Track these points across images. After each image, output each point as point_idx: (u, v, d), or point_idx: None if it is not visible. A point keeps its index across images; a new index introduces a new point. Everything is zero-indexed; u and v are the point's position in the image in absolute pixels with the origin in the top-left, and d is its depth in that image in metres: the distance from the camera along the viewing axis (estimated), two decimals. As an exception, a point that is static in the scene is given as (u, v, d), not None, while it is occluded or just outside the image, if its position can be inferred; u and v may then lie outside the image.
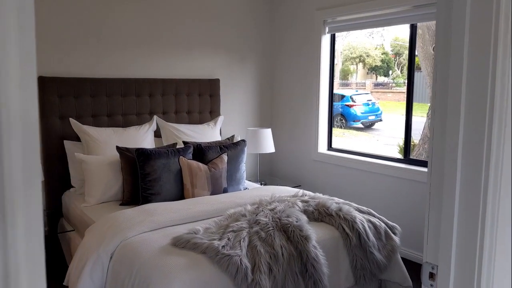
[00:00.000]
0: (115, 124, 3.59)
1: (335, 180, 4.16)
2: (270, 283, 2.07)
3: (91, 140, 3.25)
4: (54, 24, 3.33)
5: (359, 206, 2.93)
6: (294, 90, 4.50)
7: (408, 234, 3.42)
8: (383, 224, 2.82)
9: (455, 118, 0.94)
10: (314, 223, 2.63)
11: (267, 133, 4.13)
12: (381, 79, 21.85)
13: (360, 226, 2.65)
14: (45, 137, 3.30)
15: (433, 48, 6.02)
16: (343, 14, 3.94)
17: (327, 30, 4.16)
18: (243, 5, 4.39)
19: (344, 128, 11.28)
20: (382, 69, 22.15)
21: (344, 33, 4.00)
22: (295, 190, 3.18)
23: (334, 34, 4.25)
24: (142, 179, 2.92)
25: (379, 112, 12.32)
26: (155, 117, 3.71)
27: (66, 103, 3.37)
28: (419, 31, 6.66)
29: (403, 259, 2.96)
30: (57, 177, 3.34)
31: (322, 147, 4.32)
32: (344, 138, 10.33)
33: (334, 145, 4.37)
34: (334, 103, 4.39)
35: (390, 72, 22.13)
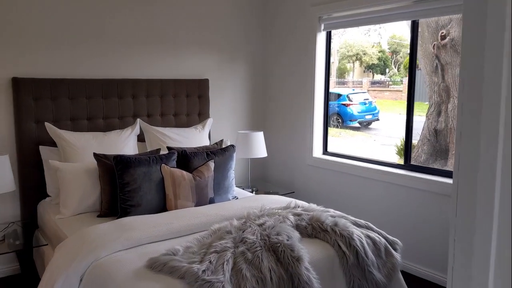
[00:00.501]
0: (96, 128, 3.35)
1: (330, 187, 3.94)
2: (257, 312, 1.85)
3: (68, 145, 3.01)
4: (27, 21, 3.09)
5: (356, 219, 2.71)
6: (287, 91, 4.27)
7: (408, 245, 3.20)
8: (383, 240, 2.59)
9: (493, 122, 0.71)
10: (307, 240, 2.41)
11: (259, 137, 3.90)
12: (378, 77, 21.67)
13: (358, 243, 2.43)
14: (20, 143, 3.06)
15: (433, 46, 5.81)
16: (339, 10, 3.71)
17: (322, 27, 3.94)
18: (234, 2, 4.15)
19: (341, 128, 11.07)
20: (379, 67, 21.96)
21: (340, 31, 3.79)
22: (287, 200, 2.95)
23: (330, 32, 4.03)
24: (121, 189, 2.68)
25: (376, 111, 12.11)
26: (138, 120, 3.47)
27: (42, 106, 3.13)
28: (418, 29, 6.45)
29: (402, 272, 2.75)
30: (32, 186, 3.10)
31: (317, 151, 4.10)
32: (340, 138, 10.11)
33: (330, 149, 4.15)
34: (330, 102, 4.16)
35: (387, 70, 21.96)
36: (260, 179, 4.50)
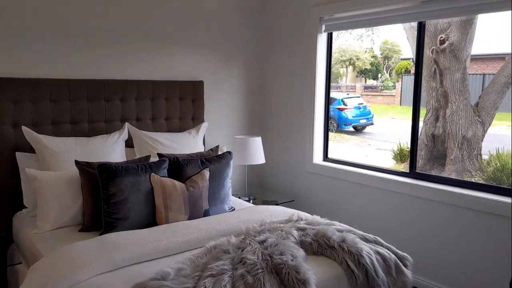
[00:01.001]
0: (80, 133, 3.09)
1: (332, 195, 3.71)
2: None
3: (47, 152, 2.74)
4: (3, 15, 2.82)
5: (364, 233, 2.48)
6: (287, 94, 4.05)
7: (416, 258, 2.98)
8: (393, 256, 2.37)
9: None
10: (313, 258, 2.17)
11: (257, 142, 3.67)
12: (370, 82, 21.67)
13: (368, 261, 2.20)
14: (-5, 148, 2.79)
15: (431, 51, 5.65)
16: (342, 11, 3.51)
17: (323, 28, 3.73)
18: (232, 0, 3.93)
19: (336, 132, 10.92)
20: (371, 72, 22.02)
21: (334, 35, 3.62)
22: (289, 212, 2.71)
23: (331, 33, 3.82)
24: (106, 201, 2.42)
25: (371, 116, 11.99)
26: (126, 124, 3.21)
27: (22, 109, 2.86)
28: (414, 33, 6.28)
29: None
30: (8, 196, 2.83)
31: (318, 158, 3.87)
32: (336, 143, 9.92)
33: (330, 155, 3.93)
34: (326, 107, 3.95)
35: (379, 75, 21.98)
36: (258, 187, 4.27)
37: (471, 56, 5.81)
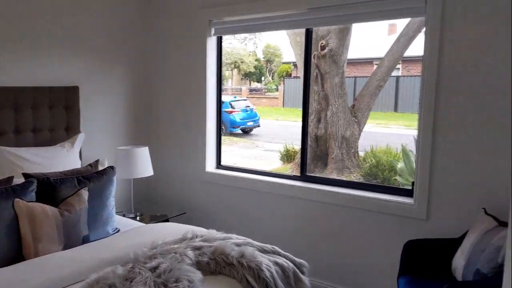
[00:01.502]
0: None
1: (227, 204, 3.59)
2: None
3: None
4: None
5: (262, 244, 2.41)
6: (177, 100, 3.82)
7: (313, 261, 3.01)
8: (291, 264, 2.34)
9: None
10: (211, 278, 2.02)
11: (143, 153, 3.37)
12: (255, 85, 22.29)
13: (267, 274, 2.12)
14: None
15: (313, 56, 5.91)
16: (231, 15, 3.41)
17: (213, 31, 3.59)
18: (107, -4, 3.55)
19: (225, 135, 10.94)
20: (255, 75, 22.67)
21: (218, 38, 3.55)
22: (183, 229, 2.51)
23: (221, 37, 3.71)
24: (-47, 238, 1.95)
25: (257, 118, 12.29)
26: (-19, 139, 2.68)
27: None
28: (297, 39, 6.53)
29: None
30: None
31: (210, 166, 3.72)
32: (225, 146, 9.91)
33: (222, 160, 3.81)
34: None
35: (263, 78, 22.74)
36: (145, 201, 3.95)
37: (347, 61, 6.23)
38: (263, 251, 2.35)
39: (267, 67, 22.11)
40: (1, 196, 2.10)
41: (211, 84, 3.66)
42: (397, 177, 5.30)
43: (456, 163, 2.49)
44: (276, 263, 2.26)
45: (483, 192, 2.40)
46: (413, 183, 2.71)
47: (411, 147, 5.20)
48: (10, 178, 2.39)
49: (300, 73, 6.72)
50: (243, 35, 19.94)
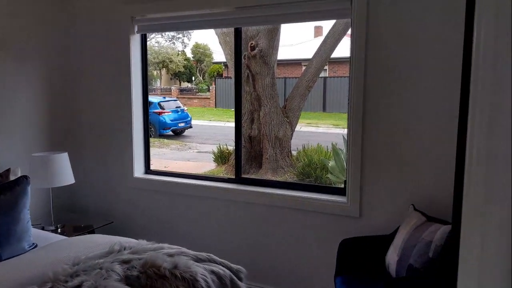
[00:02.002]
0: None
1: (158, 211, 3.41)
2: None
3: None
4: None
5: (196, 253, 2.29)
6: (99, 101, 3.56)
7: (252, 265, 2.95)
8: (227, 271, 2.26)
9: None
10: (142, 294, 1.87)
11: (62, 159, 3.09)
12: (185, 85, 21.91)
13: (203, 284, 2.02)
14: None
15: (244, 56, 5.87)
16: (155, 12, 3.25)
17: (136, 29, 3.40)
18: (17, -13, 3.21)
19: (154, 137, 10.57)
20: (185, 75, 22.29)
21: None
22: (110, 241, 2.32)
23: (145, 35, 3.52)
24: None
25: (189, 119, 12.05)
26: None
27: None
28: (226, 39, 6.46)
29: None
30: None
31: (139, 171, 3.52)
32: (156, 148, 9.57)
33: (151, 163, 3.62)
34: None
35: (193, 78, 22.42)
36: (67, 211, 3.63)
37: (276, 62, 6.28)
38: (198, 260, 2.24)
39: (197, 67, 21.84)
40: None
41: (137, 84, 3.46)
42: (329, 175, 5.43)
43: (386, 161, 2.56)
44: (212, 272, 2.16)
45: (412, 189, 2.49)
46: (345, 181, 2.75)
47: (341, 145, 5.36)
48: None
49: (231, 73, 6.67)
50: (171, 34, 19.51)
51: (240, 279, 2.33)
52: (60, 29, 3.55)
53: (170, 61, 21.19)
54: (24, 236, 2.32)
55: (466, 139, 0.75)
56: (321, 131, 9.96)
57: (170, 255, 2.17)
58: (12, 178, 2.51)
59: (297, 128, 6.61)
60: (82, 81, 3.61)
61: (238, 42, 3.23)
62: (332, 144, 5.47)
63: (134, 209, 3.50)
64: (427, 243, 1.90)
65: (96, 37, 3.50)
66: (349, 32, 5.89)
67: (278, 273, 3.00)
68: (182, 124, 11.75)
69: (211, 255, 2.34)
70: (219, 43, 6.47)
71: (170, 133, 11.44)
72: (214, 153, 7.52)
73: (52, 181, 2.98)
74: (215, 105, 16.06)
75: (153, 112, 10.75)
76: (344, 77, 12.75)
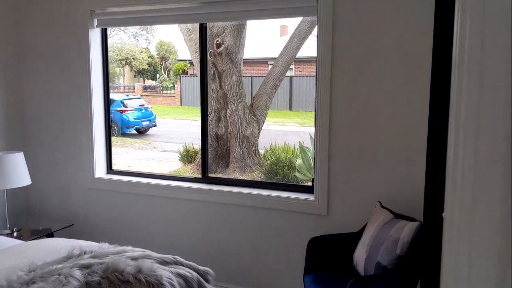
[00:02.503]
0: None
1: (120, 213, 3.29)
2: None
3: None
4: None
5: (162, 255, 2.22)
6: (56, 98, 3.39)
7: (218, 266, 2.90)
8: (194, 274, 2.20)
9: None
10: (104, 301, 1.78)
11: (18, 159, 2.93)
12: (149, 82, 21.53)
13: (169, 288, 1.95)
14: None
15: (209, 54, 5.79)
16: (116, 5, 3.14)
17: (96, 23, 3.26)
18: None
19: (117, 136, 10.27)
20: (149, 72, 21.90)
21: (107, 33, 3.23)
22: (69, 245, 2.20)
23: (105, 29, 3.39)
24: None
25: (153, 117, 11.79)
26: None
27: None
28: (191, 36, 6.36)
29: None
30: None
31: (100, 171, 3.38)
32: (119, 148, 9.30)
33: (114, 163, 3.49)
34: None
35: (158, 76, 22.07)
36: (23, 214, 3.46)
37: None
38: (164, 262, 2.17)
39: (161, 65, 21.44)
40: None
41: (97, 81, 3.32)
42: (296, 173, 5.44)
43: (353, 159, 2.57)
44: (179, 275, 2.10)
45: (379, 186, 2.51)
46: (313, 180, 2.74)
47: (308, 143, 5.38)
48: None
49: (196, 71, 6.57)
50: (134, 31, 19.06)
51: (207, 281, 2.27)
52: (10, 28, 3.36)
53: (134, 58, 20.74)
54: (-25, 242, 2.17)
55: (436, 138, 0.73)
56: (287, 130, 10.00)
57: (134, 259, 2.08)
58: (-40, 180, 2.34)
59: (264, 126, 6.59)
60: (38, 78, 3.44)
61: (203, 39, 3.16)
62: (299, 142, 5.49)
63: (95, 211, 3.37)
64: (395, 240, 1.91)
65: (52, 31, 3.34)
66: (314, 31, 5.95)
67: (246, 273, 2.96)
68: (146, 123, 11.48)
69: (177, 257, 2.27)
70: (184, 40, 6.36)
71: (134, 132, 11.17)
72: (180, 152, 7.38)
73: (6, 182, 2.82)
74: (181, 103, 15.82)
75: (116, 110, 10.44)
76: (310, 76, 12.89)
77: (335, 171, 2.61)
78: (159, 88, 19.64)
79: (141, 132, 11.26)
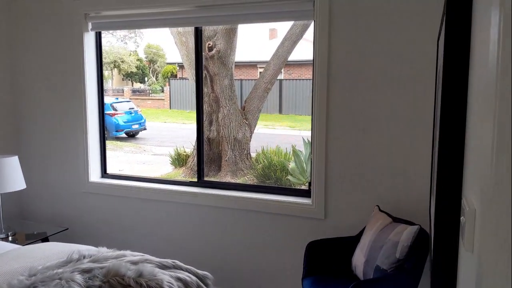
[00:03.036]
0: None
1: (115, 216, 3.28)
2: None
3: None
4: None
5: (161, 259, 2.21)
6: (50, 102, 3.37)
7: (216, 270, 2.90)
8: (194, 278, 2.19)
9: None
10: (105, 305, 1.77)
11: (12, 163, 2.90)
12: (138, 86, 21.37)
13: (170, 292, 1.95)
14: None
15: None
16: (110, 9, 3.14)
17: (90, 26, 3.26)
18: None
19: (107, 140, 10.19)
20: (137, 75, 21.75)
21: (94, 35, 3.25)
22: (67, 249, 2.19)
23: (100, 33, 3.38)
24: None
25: (143, 120, 11.74)
26: None
27: None
28: (182, 39, 6.35)
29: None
30: None
31: (95, 175, 3.37)
32: (110, 151, 9.23)
33: (110, 170, 3.48)
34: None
35: (146, 79, 21.92)
36: (18, 218, 3.42)
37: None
38: (163, 267, 2.17)
39: (150, 68, 21.33)
40: None
41: (91, 84, 3.31)
42: (289, 177, 5.47)
43: (350, 163, 2.59)
44: (179, 279, 2.09)
45: (377, 190, 2.52)
46: (310, 183, 2.76)
47: (300, 147, 5.41)
48: None
49: (187, 74, 6.57)
50: (122, 34, 18.95)
51: (207, 285, 2.27)
52: (3, 30, 3.34)
53: (122, 61, 20.62)
54: (-29, 247, 2.14)
55: (443, 141, 0.75)
56: (278, 133, 10.03)
57: (134, 263, 2.08)
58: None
59: (255, 130, 6.61)
60: (32, 81, 3.41)
61: (199, 43, 3.17)
62: (292, 146, 5.52)
63: (90, 215, 3.35)
64: (394, 244, 1.94)
65: (47, 34, 3.32)
66: (305, 35, 5.99)
67: (244, 277, 2.96)
68: (136, 126, 11.42)
69: (176, 261, 2.26)
70: (175, 43, 6.35)
71: (124, 135, 11.10)
72: (171, 155, 7.36)
73: (2, 186, 2.79)
74: (170, 107, 15.76)
75: (106, 113, 10.39)
76: (300, 79, 12.94)
77: (332, 175, 2.63)
78: (147, 91, 19.54)
79: (130, 136, 11.21)
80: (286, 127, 11.17)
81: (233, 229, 2.96)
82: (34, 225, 3.26)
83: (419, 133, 2.39)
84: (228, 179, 5.96)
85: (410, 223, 2.05)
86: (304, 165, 5.23)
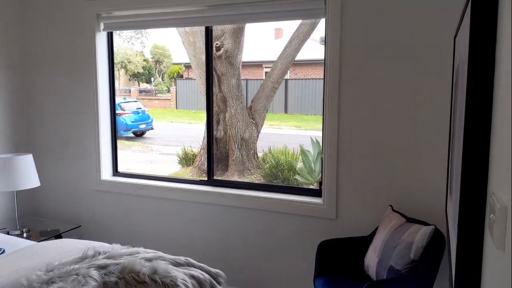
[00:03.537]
0: None
1: (127, 214, 3.31)
2: None
3: None
4: None
5: (174, 257, 2.24)
6: (64, 101, 3.41)
7: (227, 268, 2.92)
8: (207, 276, 2.21)
9: None
10: (122, 301, 1.80)
11: (27, 161, 2.94)
12: (144, 86, 21.46)
13: (184, 289, 1.97)
14: None
15: (209, 56, 5.81)
16: (122, 9, 3.16)
17: (102, 26, 3.29)
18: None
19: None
20: (144, 76, 21.84)
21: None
22: (82, 246, 2.22)
23: (111, 33, 3.41)
24: None
25: (150, 120, 11.79)
26: None
27: None
28: (190, 39, 6.38)
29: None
30: None
31: (106, 173, 3.40)
32: (118, 151, 9.29)
33: (121, 168, 3.51)
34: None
35: (152, 79, 22.01)
36: (32, 215, 3.46)
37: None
38: (177, 264, 2.19)
39: (156, 68, 21.41)
40: None
41: (103, 84, 3.35)
42: (297, 177, 5.47)
43: (362, 161, 2.58)
44: (192, 276, 2.12)
45: (389, 189, 2.51)
46: (320, 183, 2.76)
47: (308, 146, 5.42)
48: None
49: (195, 74, 6.59)
50: (129, 35, 19.04)
51: (219, 283, 2.29)
52: (18, 32, 3.38)
53: (129, 62, 20.72)
54: (-12, 243, 2.18)
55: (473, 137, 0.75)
56: (284, 133, 10.03)
57: (148, 260, 2.10)
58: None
59: (262, 129, 6.63)
60: (45, 81, 3.45)
61: (209, 42, 3.18)
62: (300, 145, 5.52)
63: (102, 212, 3.38)
64: (408, 244, 1.94)
65: (59, 34, 3.36)
66: (313, 35, 5.98)
67: (255, 276, 2.97)
68: (143, 126, 11.48)
69: (189, 259, 2.29)
70: (182, 43, 6.38)
71: (131, 134, 11.16)
72: (178, 155, 7.39)
73: (16, 184, 2.82)
74: (176, 107, 15.81)
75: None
76: (306, 79, 12.93)
77: (344, 174, 2.63)
78: (154, 91, 19.62)
79: (138, 135, 11.26)
80: (292, 127, 11.17)
81: (243, 228, 2.97)
82: (48, 222, 3.30)
83: (434, 132, 2.39)
84: (235, 178, 5.99)
85: (425, 224, 2.04)
86: (312, 164, 5.24)
